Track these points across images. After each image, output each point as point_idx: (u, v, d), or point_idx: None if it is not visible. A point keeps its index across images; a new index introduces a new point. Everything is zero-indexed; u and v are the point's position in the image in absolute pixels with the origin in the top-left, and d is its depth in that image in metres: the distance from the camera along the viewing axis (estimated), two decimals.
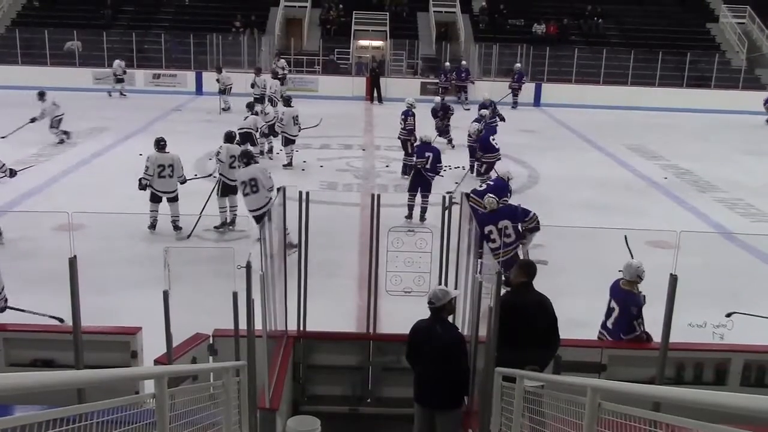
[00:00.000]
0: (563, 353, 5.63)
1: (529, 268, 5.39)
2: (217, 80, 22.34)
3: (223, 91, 22.05)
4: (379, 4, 31.01)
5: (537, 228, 8.56)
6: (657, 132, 21.59)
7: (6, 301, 6.56)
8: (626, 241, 6.87)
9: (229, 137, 11.03)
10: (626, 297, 6.09)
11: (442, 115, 17.24)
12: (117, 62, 24.73)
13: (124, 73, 25.00)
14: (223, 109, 21.54)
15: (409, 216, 11.55)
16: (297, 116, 15.04)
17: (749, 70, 28.44)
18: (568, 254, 10.34)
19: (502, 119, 16.42)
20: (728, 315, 6.64)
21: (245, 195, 9.69)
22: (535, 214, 8.56)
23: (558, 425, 3.83)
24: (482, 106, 16.85)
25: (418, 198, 11.59)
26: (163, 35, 27.56)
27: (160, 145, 10.54)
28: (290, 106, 15.23)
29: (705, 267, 9.42)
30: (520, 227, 8.57)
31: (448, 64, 26.41)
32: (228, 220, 10.90)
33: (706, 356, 6.03)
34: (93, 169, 14.75)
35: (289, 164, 15.16)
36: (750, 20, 30.33)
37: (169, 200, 10.54)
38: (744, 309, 6.83)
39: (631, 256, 6.48)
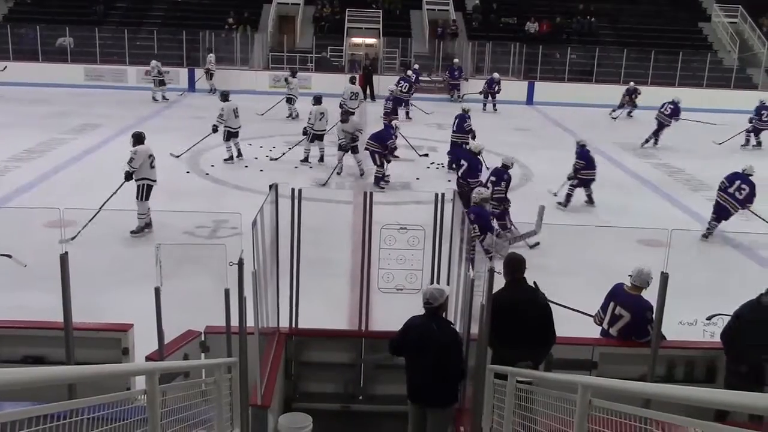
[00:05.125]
0: (554, 350, 5.65)
1: (515, 264, 5.37)
2: (288, 85, 21.20)
3: (290, 99, 20.93)
4: (372, 1, 31.00)
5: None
6: (649, 130, 21.62)
7: None
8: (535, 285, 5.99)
9: (139, 138, 10.55)
10: (638, 303, 6.00)
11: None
12: (153, 62, 23.63)
13: (160, 74, 23.30)
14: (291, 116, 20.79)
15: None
16: (237, 108, 15.12)
17: (741, 70, 28.56)
18: (559, 252, 10.38)
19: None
20: (709, 318, 6.64)
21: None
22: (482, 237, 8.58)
23: (549, 422, 3.85)
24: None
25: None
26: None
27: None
28: (228, 100, 15.23)
29: (696, 265, 9.45)
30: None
31: (456, 60, 26.58)
32: (145, 224, 10.60)
33: (697, 354, 6.06)
34: (85, 165, 14.70)
35: (231, 158, 15.21)
36: (742, 20, 30.45)
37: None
38: (735, 307, 6.84)
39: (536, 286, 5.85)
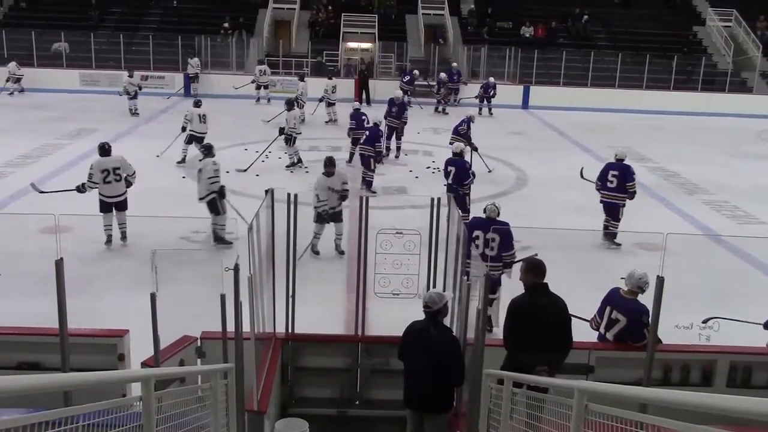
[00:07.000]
0: None
1: (539, 268, 5.34)
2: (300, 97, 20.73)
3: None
4: (367, 6, 31.04)
5: (510, 264, 7.80)
6: (644, 134, 21.69)
7: None
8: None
9: (103, 150, 10.11)
10: (636, 307, 5.98)
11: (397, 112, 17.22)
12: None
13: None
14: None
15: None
16: (204, 115, 15.28)
17: (735, 73, 28.65)
18: (555, 256, 10.37)
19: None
20: (705, 321, 6.66)
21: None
22: (515, 252, 7.95)
23: (545, 427, 3.84)
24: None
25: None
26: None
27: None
28: (198, 106, 15.51)
29: (692, 269, 9.46)
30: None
31: (455, 64, 26.52)
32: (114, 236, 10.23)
33: (693, 358, 6.06)
34: (80, 171, 14.61)
35: (183, 161, 15.25)
36: (736, 23, 30.55)
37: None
38: (730, 311, 6.87)
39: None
